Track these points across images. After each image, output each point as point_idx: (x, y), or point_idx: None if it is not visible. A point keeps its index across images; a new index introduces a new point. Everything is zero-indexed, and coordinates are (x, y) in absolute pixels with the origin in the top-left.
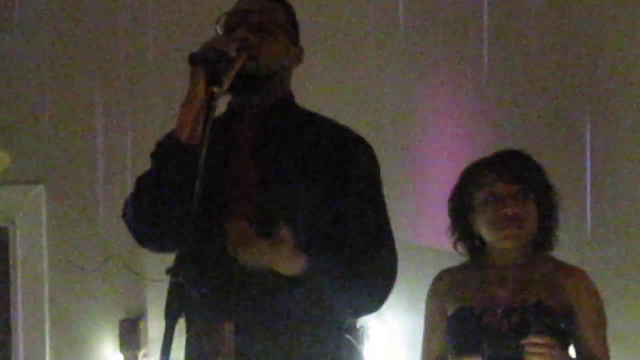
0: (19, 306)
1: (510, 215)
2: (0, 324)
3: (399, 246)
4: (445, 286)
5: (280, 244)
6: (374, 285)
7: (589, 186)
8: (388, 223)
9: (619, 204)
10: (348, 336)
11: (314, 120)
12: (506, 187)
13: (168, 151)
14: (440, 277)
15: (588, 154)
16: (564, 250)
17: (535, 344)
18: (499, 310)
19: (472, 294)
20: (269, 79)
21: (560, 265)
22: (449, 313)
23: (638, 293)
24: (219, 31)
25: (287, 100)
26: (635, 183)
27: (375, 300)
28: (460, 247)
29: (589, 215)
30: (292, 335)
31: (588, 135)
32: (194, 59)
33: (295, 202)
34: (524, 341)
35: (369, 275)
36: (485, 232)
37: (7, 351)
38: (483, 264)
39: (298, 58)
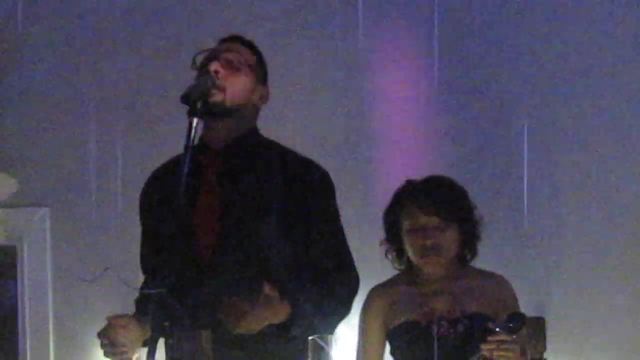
0: (27, 315)
1: (430, 246)
2: (8, 332)
3: (363, 257)
4: (383, 302)
5: (271, 304)
6: (341, 301)
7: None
8: (346, 246)
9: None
10: (319, 341)
11: (275, 152)
12: (427, 219)
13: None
14: (375, 294)
15: (525, 160)
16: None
17: (503, 342)
18: (444, 322)
19: (413, 307)
20: (234, 111)
21: (484, 274)
22: (391, 327)
23: (574, 294)
24: (196, 66)
25: (252, 134)
26: (573, 180)
27: (341, 314)
28: (391, 257)
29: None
30: (265, 344)
31: (525, 138)
32: (183, 98)
33: (255, 231)
34: (491, 339)
35: (337, 293)
36: (411, 257)
37: (15, 357)
38: (413, 279)
39: (264, 97)
